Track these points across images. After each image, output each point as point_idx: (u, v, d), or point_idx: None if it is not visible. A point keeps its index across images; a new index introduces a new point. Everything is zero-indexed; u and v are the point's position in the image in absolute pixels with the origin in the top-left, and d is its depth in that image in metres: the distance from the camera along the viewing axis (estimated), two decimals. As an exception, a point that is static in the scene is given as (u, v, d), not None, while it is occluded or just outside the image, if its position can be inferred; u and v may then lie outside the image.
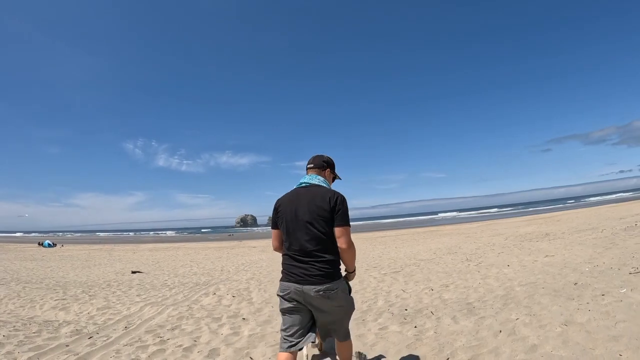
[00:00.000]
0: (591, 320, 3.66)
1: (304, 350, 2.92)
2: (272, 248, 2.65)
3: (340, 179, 2.74)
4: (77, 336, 4.29)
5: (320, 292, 2.25)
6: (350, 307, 2.49)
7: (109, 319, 5.19)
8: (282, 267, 2.42)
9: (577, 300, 4.42)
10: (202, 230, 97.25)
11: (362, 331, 4.17)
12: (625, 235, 9.38)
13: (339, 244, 2.29)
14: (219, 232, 72.50)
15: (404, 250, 13.03)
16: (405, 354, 3.44)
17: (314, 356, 3.37)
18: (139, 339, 4.22)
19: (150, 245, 27.18)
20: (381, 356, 3.45)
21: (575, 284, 5.23)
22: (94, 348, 3.88)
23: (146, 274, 10.38)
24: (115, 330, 4.59)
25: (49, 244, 26.03)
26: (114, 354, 3.75)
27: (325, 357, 3.31)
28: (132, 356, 3.69)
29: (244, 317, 5.19)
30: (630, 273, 5.38)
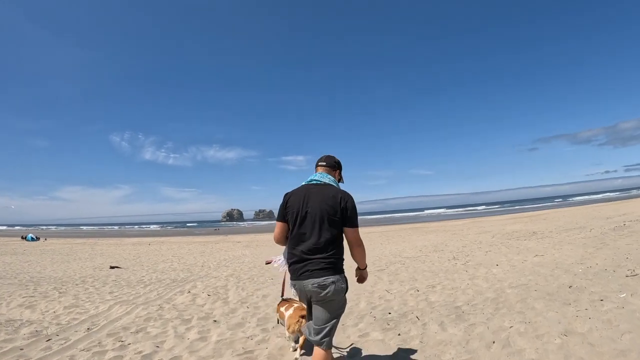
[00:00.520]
0: (593, 330, 3.29)
1: (298, 351, 3.19)
2: (273, 239, 2.65)
3: (343, 182, 2.73)
4: (34, 338, 3.97)
5: (316, 285, 2.29)
6: (341, 305, 2.45)
7: (74, 318, 4.83)
8: (288, 264, 2.47)
9: (574, 305, 4.06)
10: (188, 224, 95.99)
11: (340, 338, 3.72)
12: (615, 235, 9.18)
13: (349, 244, 2.39)
14: (205, 226, 71.66)
15: (389, 247, 12.70)
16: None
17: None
18: (99, 342, 3.86)
19: (135, 240, 26.70)
20: None
21: (570, 286, 4.89)
22: (48, 353, 3.56)
23: (125, 269, 10.03)
24: (76, 332, 4.24)
25: (32, 238, 25.52)
26: (67, 361, 3.34)
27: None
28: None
29: (215, 319, 4.76)
30: (627, 276, 5.07)
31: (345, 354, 3.37)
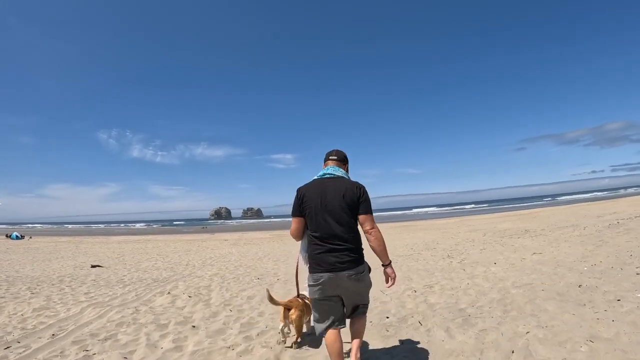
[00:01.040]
0: (620, 335, 2.92)
1: (281, 336, 3.34)
2: (291, 234, 2.68)
3: (349, 176, 2.76)
4: (-6, 345, 3.54)
5: (353, 276, 2.44)
6: (370, 282, 2.69)
7: (42, 322, 4.40)
8: (312, 257, 2.51)
9: (590, 306, 3.70)
10: (175, 222, 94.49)
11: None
12: (612, 233, 8.97)
13: (365, 230, 2.48)
14: (194, 224, 70.46)
15: (381, 245, 12.30)
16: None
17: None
18: (62, 352, 3.42)
19: (121, 238, 26.07)
20: None
21: (580, 285, 4.55)
22: (4, 362, 3.18)
23: (106, 268, 9.65)
24: (40, 338, 3.80)
25: (17, 236, 25.05)
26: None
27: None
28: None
29: (194, 324, 4.26)
30: (637, 274, 4.76)
31: None
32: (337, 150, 2.76)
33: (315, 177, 2.62)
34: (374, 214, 2.52)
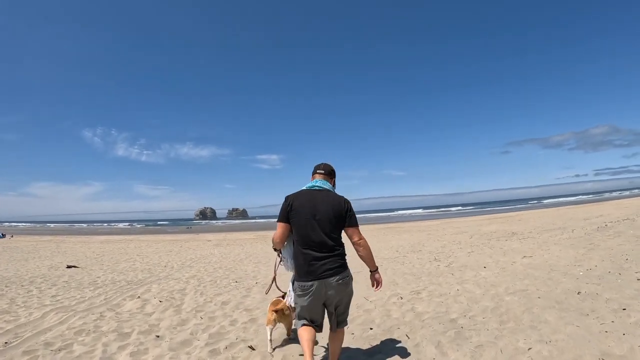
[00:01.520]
0: (635, 351, 2.55)
1: (268, 335, 3.28)
2: (274, 239, 2.70)
3: (335, 188, 2.88)
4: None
5: (340, 281, 2.54)
6: (352, 290, 2.72)
7: None
8: (299, 265, 2.58)
9: (594, 317, 3.34)
10: (159, 222, 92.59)
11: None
12: (602, 236, 8.76)
13: (354, 241, 2.59)
14: (178, 224, 69.05)
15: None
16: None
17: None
18: None
19: (103, 238, 25.30)
20: None
21: (579, 292, 4.20)
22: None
23: (82, 268, 9.23)
24: None
25: None
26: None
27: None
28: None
29: (159, 333, 3.82)
30: (638, 279, 4.45)
31: None
32: (325, 164, 2.85)
33: (304, 188, 2.71)
34: (358, 218, 2.63)
